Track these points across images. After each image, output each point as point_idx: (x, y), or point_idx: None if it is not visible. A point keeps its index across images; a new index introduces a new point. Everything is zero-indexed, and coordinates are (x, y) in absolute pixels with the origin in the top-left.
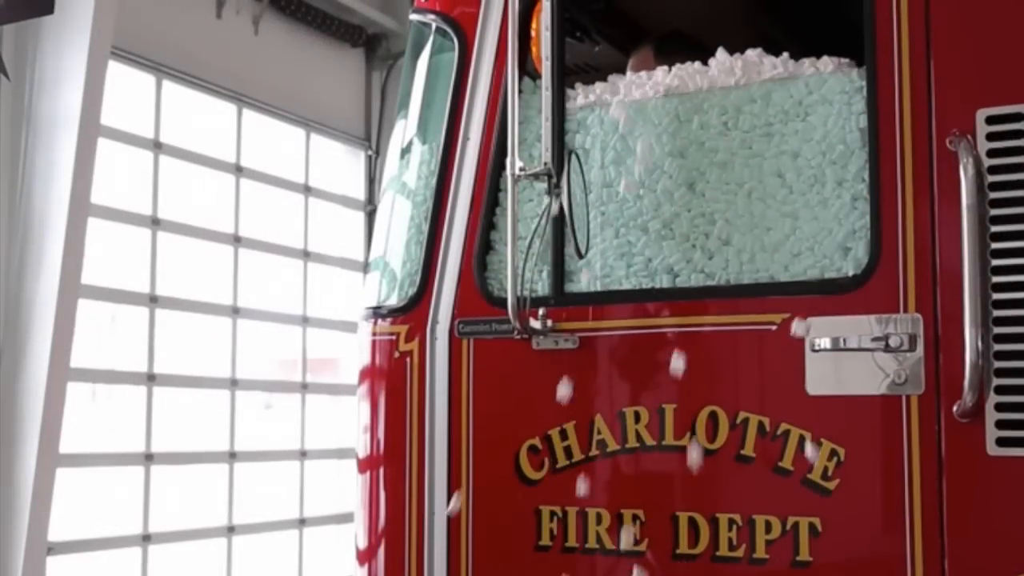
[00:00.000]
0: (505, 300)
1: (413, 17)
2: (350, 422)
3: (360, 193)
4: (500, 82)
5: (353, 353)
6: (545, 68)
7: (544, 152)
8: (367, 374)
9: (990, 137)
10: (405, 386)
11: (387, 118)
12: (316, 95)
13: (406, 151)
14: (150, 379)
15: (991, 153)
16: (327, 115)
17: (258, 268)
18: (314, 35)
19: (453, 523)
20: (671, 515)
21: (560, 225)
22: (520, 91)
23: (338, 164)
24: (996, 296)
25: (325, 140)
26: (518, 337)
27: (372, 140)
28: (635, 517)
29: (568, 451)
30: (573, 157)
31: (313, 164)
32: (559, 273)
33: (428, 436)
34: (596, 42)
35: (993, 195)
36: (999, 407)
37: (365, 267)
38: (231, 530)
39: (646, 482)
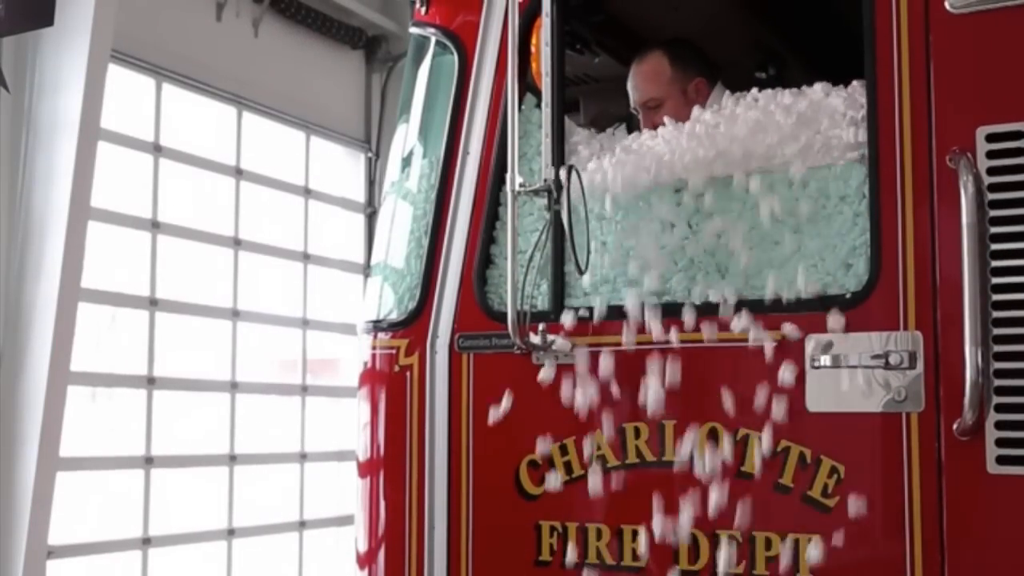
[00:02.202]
0: (505, 315)
1: (413, 31)
2: (350, 424)
3: (360, 195)
4: (500, 97)
5: (353, 354)
6: (545, 84)
7: (544, 168)
8: (367, 388)
9: (990, 155)
10: (405, 400)
11: (387, 120)
12: (316, 97)
13: (406, 164)
14: (150, 382)
15: (991, 171)
16: (327, 117)
17: (258, 271)
18: (314, 37)
19: (453, 538)
20: (672, 531)
21: (560, 240)
22: (520, 107)
23: (338, 166)
24: (996, 314)
25: (325, 142)
26: (518, 352)
27: (372, 142)
28: (635, 533)
29: (568, 466)
30: (573, 173)
31: (313, 166)
32: (559, 288)
33: (428, 450)
34: (596, 54)
35: (993, 213)
36: (999, 425)
37: (365, 271)
38: (231, 533)
39: (646, 498)
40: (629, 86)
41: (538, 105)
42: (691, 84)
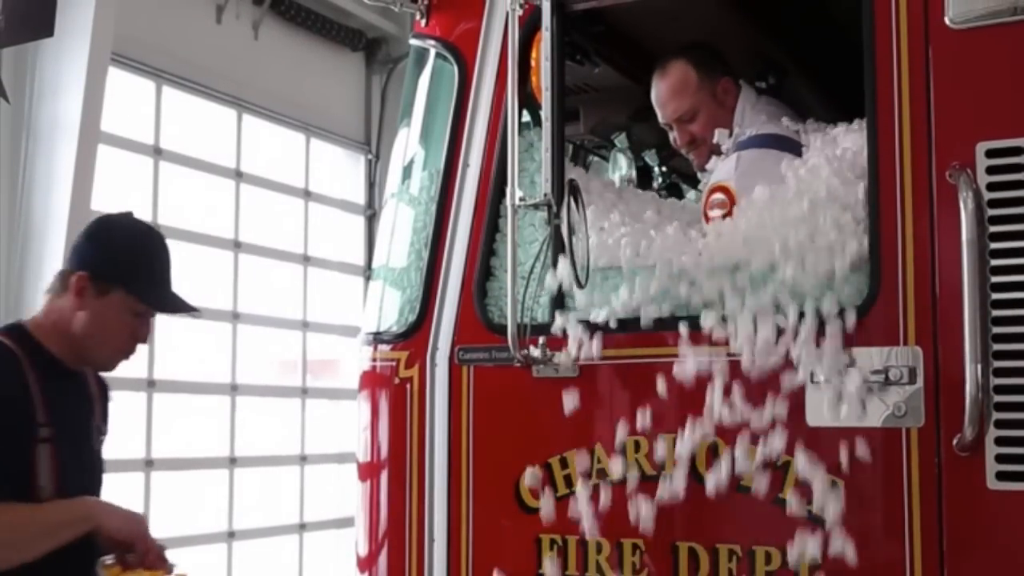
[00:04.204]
0: (505, 328)
1: (413, 42)
2: (350, 426)
3: (360, 197)
4: (500, 109)
5: (353, 355)
6: (545, 99)
7: (544, 183)
8: (368, 399)
9: (990, 170)
10: (405, 412)
11: (387, 122)
12: (316, 99)
13: (406, 176)
14: (150, 385)
15: (991, 186)
16: (327, 119)
17: (258, 273)
18: (314, 39)
19: (453, 552)
20: (671, 545)
21: (560, 254)
22: (520, 120)
23: (338, 168)
24: (996, 329)
25: (325, 144)
26: (518, 365)
27: (372, 144)
28: (635, 547)
29: (568, 480)
30: (573, 187)
31: (313, 168)
32: (559, 302)
33: (428, 463)
34: (596, 64)
35: (993, 228)
36: (999, 441)
37: (365, 273)
38: (231, 535)
39: (646, 512)
40: (656, 103)
41: (538, 122)
42: (719, 86)
